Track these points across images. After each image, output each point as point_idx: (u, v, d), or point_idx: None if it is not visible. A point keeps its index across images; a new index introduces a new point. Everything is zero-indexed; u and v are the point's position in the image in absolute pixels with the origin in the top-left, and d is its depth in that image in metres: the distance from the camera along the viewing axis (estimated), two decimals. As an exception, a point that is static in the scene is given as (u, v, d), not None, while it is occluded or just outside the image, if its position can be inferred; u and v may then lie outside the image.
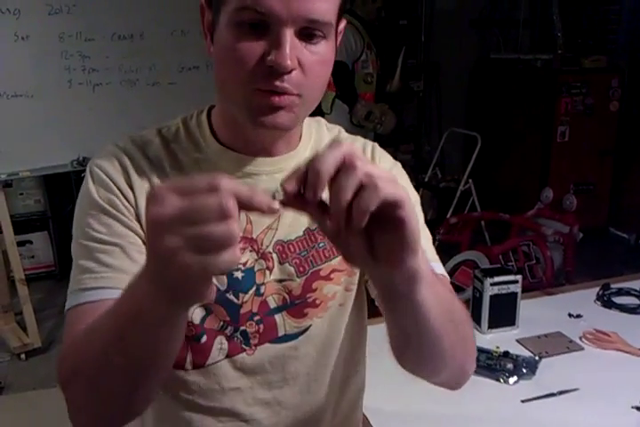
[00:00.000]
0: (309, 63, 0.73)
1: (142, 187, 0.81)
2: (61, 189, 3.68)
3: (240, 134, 0.83)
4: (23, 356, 2.99)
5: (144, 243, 0.79)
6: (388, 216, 0.55)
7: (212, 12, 0.76)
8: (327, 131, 0.95)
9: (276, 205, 0.53)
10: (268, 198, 0.53)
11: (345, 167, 0.53)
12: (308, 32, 0.72)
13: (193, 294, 0.55)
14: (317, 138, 0.92)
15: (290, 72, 0.71)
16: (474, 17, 4.80)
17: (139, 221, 0.80)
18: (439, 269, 0.90)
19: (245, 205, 0.52)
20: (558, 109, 4.25)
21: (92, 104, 2.92)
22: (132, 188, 0.81)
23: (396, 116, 3.37)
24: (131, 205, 0.80)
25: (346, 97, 3.25)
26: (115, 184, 0.80)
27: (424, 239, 0.93)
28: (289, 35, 0.70)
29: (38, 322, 3.02)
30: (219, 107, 0.86)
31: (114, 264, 0.77)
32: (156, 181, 0.82)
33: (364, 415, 1.10)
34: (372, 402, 1.11)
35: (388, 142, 4.29)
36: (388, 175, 0.55)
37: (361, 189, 0.53)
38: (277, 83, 0.72)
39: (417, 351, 0.74)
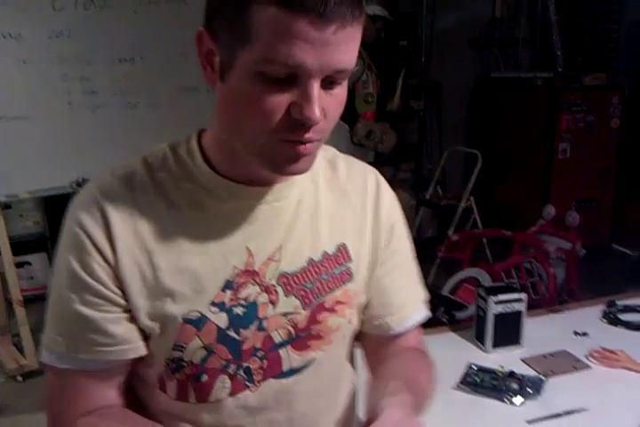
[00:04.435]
0: (331, 109, 0.72)
1: (124, 237, 0.77)
2: (60, 210, 3.56)
3: (242, 168, 0.80)
4: (20, 378, 2.96)
5: (122, 308, 0.79)
6: None
7: (215, 44, 0.71)
8: (322, 151, 0.91)
9: None
10: None
11: None
12: (331, 80, 0.69)
13: None
14: None
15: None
16: (473, 36, 4.83)
17: (117, 282, 0.78)
18: (420, 314, 0.96)
19: None
20: (559, 127, 4.25)
21: (92, 126, 2.93)
22: (112, 243, 0.77)
23: (397, 135, 3.39)
24: (109, 264, 0.77)
25: (346, 117, 3.26)
26: (93, 244, 0.77)
27: (417, 282, 0.99)
28: (316, 87, 0.67)
29: (35, 344, 2.98)
30: (217, 138, 0.81)
31: (92, 339, 0.78)
32: (140, 220, 0.79)
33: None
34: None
35: (389, 161, 4.30)
36: None
37: None
38: (305, 134, 0.70)
39: None
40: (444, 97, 4.73)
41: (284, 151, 0.72)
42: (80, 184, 2.90)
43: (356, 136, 3.27)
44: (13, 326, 3.08)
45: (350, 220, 0.90)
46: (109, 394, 0.82)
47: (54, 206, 3.71)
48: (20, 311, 2.95)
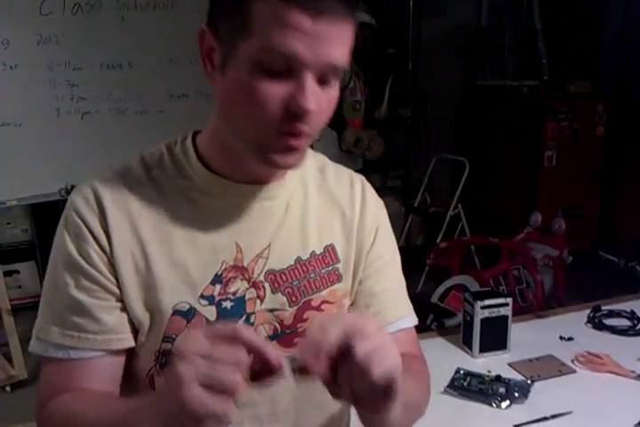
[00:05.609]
0: (324, 105, 0.74)
1: (120, 227, 0.81)
2: (49, 218, 3.63)
3: (235, 164, 0.83)
4: (8, 388, 2.94)
5: (115, 297, 0.81)
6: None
7: (216, 40, 0.74)
8: (312, 157, 0.95)
9: (286, 372, 0.62)
10: (280, 359, 0.61)
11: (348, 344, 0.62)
12: (324, 77, 0.73)
13: None
14: (303, 166, 0.91)
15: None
16: (460, 45, 4.87)
17: (112, 270, 0.80)
18: (406, 320, 0.96)
19: (257, 354, 0.60)
20: (545, 134, 4.29)
21: (80, 132, 2.92)
22: (107, 233, 0.80)
23: (385, 143, 3.41)
24: (105, 252, 0.80)
25: (334, 124, 3.27)
26: (90, 232, 0.80)
27: (402, 287, 0.99)
28: (311, 78, 0.71)
29: (24, 353, 2.95)
30: (214, 135, 0.84)
31: (81, 324, 0.80)
32: (136, 213, 0.82)
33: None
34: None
35: (377, 168, 4.31)
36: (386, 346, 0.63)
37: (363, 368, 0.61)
38: (299, 125, 0.73)
39: None
40: (432, 105, 4.77)
41: (276, 143, 0.74)
42: (69, 191, 2.88)
43: (343, 143, 3.28)
44: (2, 335, 3.05)
45: (338, 222, 0.92)
46: (94, 388, 0.82)
47: (43, 214, 3.69)
48: (8, 320, 2.92)
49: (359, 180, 0.98)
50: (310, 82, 0.71)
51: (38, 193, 2.90)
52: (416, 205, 4.41)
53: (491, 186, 4.73)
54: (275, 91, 0.71)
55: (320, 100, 0.73)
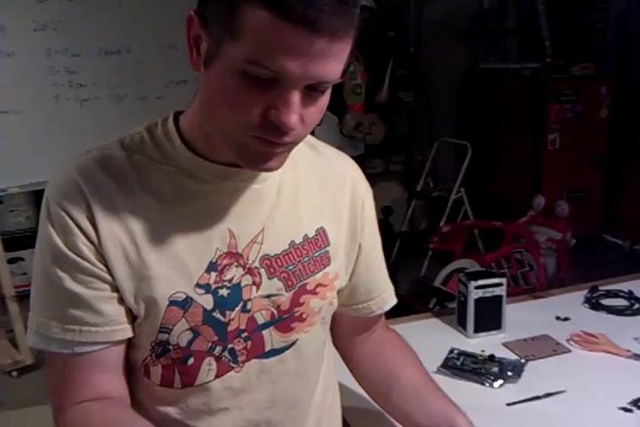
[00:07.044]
0: (310, 115, 0.71)
1: (106, 217, 0.77)
2: None
3: (219, 150, 0.79)
4: (15, 373, 2.97)
5: (111, 286, 0.79)
6: None
7: (204, 30, 0.69)
8: None
9: None
10: None
11: None
12: (314, 87, 0.68)
13: None
14: None
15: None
16: (462, 28, 4.83)
17: (102, 260, 0.77)
18: (390, 302, 1.03)
19: None
20: (548, 117, 4.26)
21: (79, 119, 2.93)
22: (94, 224, 0.77)
23: (386, 127, 3.39)
24: (93, 244, 0.77)
25: (335, 108, 3.26)
26: (76, 224, 0.76)
27: (383, 267, 1.03)
28: (297, 95, 0.67)
29: (30, 339, 2.99)
30: (196, 120, 0.80)
31: (81, 317, 0.78)
32: (121, 203, 0.78)
33: (343, 417, 1.08)
34: (352, 402, 1.12)
35: (380, 153, 4.31)
36: None
37: None
38: (278, 137, 0.70)
39: None
40: (434, 88, 4.74)
41: (256, 148, 0.71)
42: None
43: (344, 128, 3.26)
44: (7, 321, 3.08)
45: (328, 204, 0.91)
46: (105, 380, 0.82)
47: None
48: (13, 307, 2.95)
49: (350, 162, 0.98)
50: (296, 98, 0.67)
51: (39, 180, 2.91)
52: (419, 189, 4.39)
53: (494, 169, 4.71)
54: (257, 100, 0.67)
55: (308, 112, 0.70)
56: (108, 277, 0.78)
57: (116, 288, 0.79)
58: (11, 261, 3.28)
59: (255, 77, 0.65)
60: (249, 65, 0.64)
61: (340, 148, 1.00)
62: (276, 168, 0.76)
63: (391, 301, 1.03)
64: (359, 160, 1.20)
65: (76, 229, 0.76)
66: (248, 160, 0.74)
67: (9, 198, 3.62)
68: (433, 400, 0.94)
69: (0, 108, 2.76)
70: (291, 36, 0.62)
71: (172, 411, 0.86)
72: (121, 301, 0.79)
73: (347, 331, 1.04)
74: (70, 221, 0.76)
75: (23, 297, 3.23)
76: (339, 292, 0.94)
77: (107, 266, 0.78)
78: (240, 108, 0.68)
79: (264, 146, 0.71)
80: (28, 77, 2.80)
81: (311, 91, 0.68)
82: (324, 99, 0.72)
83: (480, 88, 4.81)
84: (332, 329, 1.00)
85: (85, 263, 0.77)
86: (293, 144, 0.74)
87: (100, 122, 2.94)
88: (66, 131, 2.89)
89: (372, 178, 1.09)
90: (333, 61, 0.66)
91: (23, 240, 3.80)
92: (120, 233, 0.78)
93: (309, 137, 0.94)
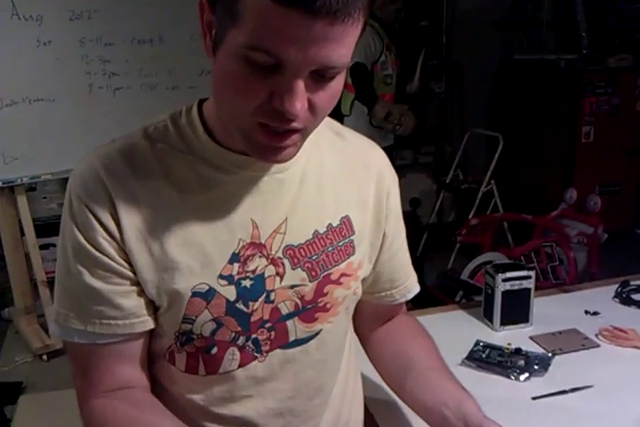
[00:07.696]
0: (320, 101, 0.69)
1: (128, 210, 0.77)
2: None
3: (235, 140, 0.77)
4: (45, 357, 3.03)
5: (130, 281, 0.79)
6: None
7: (213, 16, 0.68)
8: (324, 122, 0.86)
9: None
10: None
11: None
12: (322, 73, 0.66)
13: None
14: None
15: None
16: (496, 18, 4.76)
17: (123, 255, 0.78)
18: (413, 290, 1.03)
19: None
20: (583, 109, 4.19)
21: (112, 108, 2.96)
22: (116, 218, 0.76)
23: (416, 118, 3.35)
24: (114, 238, 0.77)
25: (365, 98, 3.24)
26: (97, 219, 0.76)
27: (407, 255, 1.03)
28: (301, 80, 0.65)
29: (60, 324, 3.05)
30: (215, 110, 0.79)
31: (101, 311, 0.79)
32: (143, 195, 0.78)
33: (366, 407, 1.09)
34: (376, 394, 1.12)
35: (409, 144, 4.28)
36: None
37: None
38: (283, 124, 0.68)
39: None
40: (466, 79, 4.69)
41: (265, 140, 0.70)
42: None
43: (374, 118, 3.23)
44: (38, 306, 3.15)
45: (354, 191, 0.90)
46: (126, 371, 0.83)
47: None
48: (44, 292, 3.02)
49: (377, 149, 0.96)
50: (299, 85, 0.65)
51: (71, 167, 2.93)
52: (448, 181, 4.35)
53: (526, 162, 4.65)
54: (261, 86, 0.66)
55: (317, 99, 0.68)
56: (127, 272, 0.78)
57: (136, 282, 0.79)
58: (43, 247, 3.33)
59: (258, 64, 0.64)
60: (250, 51, 0.63)
61: (369, 138, 0.98)
62: (287, 160, 0.75)
63: (414, 289, 1.03)
64: (388, 151, 1.19)
65: (96, 224, 0.76)
66: (256, 151, 0.73)
67: (42, 185, 3.67)
68: (441, 382, 0.93)
69: (35, 96, 2.80)
70: (288, 20, 0.60)
71: (196, 398, 0.87)
72: (141, 293, 0.80)
73: (368, 319, 1.04)
74: (91, 216, 0.76)
75: (54, 282, 3.29)
76: (362, 280, 0.93)
77: (129, 259, 0.78)
78: (243, 94, 0.67)
79: (270, 140, 0.70)
80: (62, 66, 2.83)
81: (319, 76, 0.66)
82: (336, 83, 0.69)
83: (513, 79, 4.74)
84: (353, 317, 1.00)
85: (105, 258, 0.77)
86: (305, 132, 0.72)
87: (132, 111, 2.95)
88: (98, 119, 2.92)
89: (400, 169, 1.09)
90: (338, 45, 0.63)
91: (55, 227, 3.83)
92: (142, 225, 0.77)
93: (335, 124, 0.94)
